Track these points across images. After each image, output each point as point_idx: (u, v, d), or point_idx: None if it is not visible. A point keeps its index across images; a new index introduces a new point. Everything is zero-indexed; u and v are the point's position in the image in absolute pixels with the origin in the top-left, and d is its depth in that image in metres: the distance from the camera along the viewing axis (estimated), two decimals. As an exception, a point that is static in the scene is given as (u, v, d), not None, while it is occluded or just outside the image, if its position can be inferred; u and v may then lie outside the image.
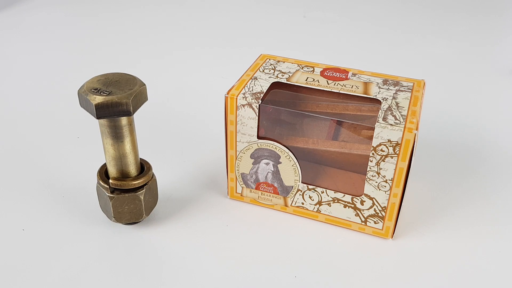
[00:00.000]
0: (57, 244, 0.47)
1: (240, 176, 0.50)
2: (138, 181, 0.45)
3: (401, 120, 0.42)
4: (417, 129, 0.42)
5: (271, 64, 0.51)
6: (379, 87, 0.47)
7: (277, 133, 0.49)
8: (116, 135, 0.43)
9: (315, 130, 0.50)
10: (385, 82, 0.48)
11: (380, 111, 0.44)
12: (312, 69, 0.50)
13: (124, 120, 0.43)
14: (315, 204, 0.49)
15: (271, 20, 1.00)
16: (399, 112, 0.43)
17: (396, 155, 0.43)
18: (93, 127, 0.64)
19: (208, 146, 0.61)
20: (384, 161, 0.44)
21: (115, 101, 0.40)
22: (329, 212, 0.49)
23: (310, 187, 0.48)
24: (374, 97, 0.45)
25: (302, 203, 0.49)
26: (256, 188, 0.51)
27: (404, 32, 0.95)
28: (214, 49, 0.87)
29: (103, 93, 0.41)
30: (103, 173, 0.47)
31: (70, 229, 0.49)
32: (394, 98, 0.45)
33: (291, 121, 0.50)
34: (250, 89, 0.47)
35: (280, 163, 0.48)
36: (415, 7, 1.07)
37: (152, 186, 0.47)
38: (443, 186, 0.55)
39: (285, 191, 0.49)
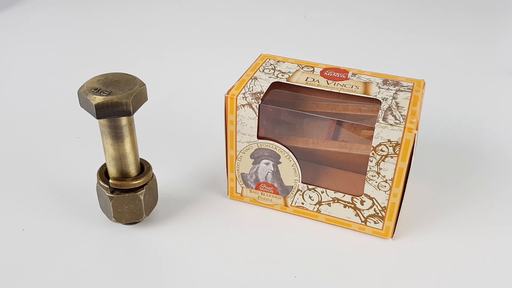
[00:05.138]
0: (57, 244, 0.47)
1: (240, 176, 0.50)
2: (138, 181, 0.45)
3: (401, 120, 0.42)
4: (417, 129, 0.42)
5: (271, 64, 0.51)
6: (379, 87, 0.47)
7: (277, 133, 0.49)
8: (116, 135, 0.43)
9: (315, 130, 0.50)
10: (385, 82, 0.48)
11: (380, 111, 0.44)
12: (312, 69, 0.50)
13: (124, 120, 0.43)
14: (315, 204, 0.49)
15: (271, 20, 1.00)
16: (399, 112, 0.43)
17: (396, 155, 0.43)
18: (93, 127, 0.64)
19: (208, 146, 0.61)
20: (384, 161, 0.44)
21: (115, 101, 0.40)
22: (329, 212, 0.49)
23: (310, 187, 0.48)
24: (374, 97, 0.46)
25: (302, 203, 0.49)
26: (256, 188, 0.51)
27: (404, 32, 0.95)
28: (214, 49, 0.87)
29: (103, 93, 0.41)
30: (103, 173, 0.47)
31: (70, 229, 0.49)
32: (394, 98, 0.45)
33: (291, 121, 0.50)
34: (250, 89, 0.47)
35: (280, 163, 0.48)
36: (416, 7, 1.07)
37: (152, 186, 0.47)
38: (443, 186, 0.55)
39: (285, 191, 0.49)
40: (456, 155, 0.60)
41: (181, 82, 0.76)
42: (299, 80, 0.48)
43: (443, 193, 0.54)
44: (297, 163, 0.47)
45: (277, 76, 0.49)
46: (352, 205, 0.47)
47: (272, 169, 0.49)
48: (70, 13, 1.02)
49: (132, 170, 0.46)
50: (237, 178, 0.51)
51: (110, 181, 0.45)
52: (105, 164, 0.47)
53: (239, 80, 0.48)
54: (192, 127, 0.65)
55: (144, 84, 0.43)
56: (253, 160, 0.49)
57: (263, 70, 0.50)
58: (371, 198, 0.46)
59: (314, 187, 0.48)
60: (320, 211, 0.49)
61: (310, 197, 0.49)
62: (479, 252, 0.47)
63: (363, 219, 0.48)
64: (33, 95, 0.72)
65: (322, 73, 0.49)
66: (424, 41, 0.91)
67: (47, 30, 0.93)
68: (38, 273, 0.44)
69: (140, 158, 0.48)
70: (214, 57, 0.84)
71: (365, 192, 0.46)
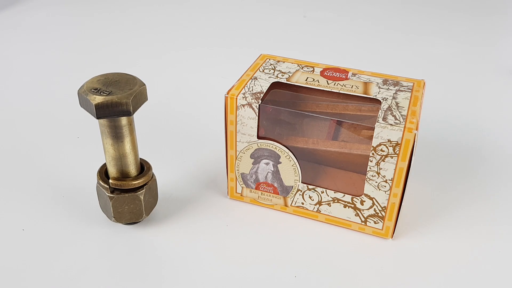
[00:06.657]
0: (57, 244, 0.47)
1: (240, 176, 0.50)
2: (138, 181, 0.45)
3: (401, 120, 0.42)
4: (417, 129, 0.42)
5: (271, 64, 0.51)
6: (379, 87, 0.47)
7: (277, 133, 0.49)
8: (116, 135, 0.43)
9: (315, 130, 0.50)
10: (385, 82, 0.48)
11: (380, 111, 0.44)
12: (312, 69, 0.50)
13: (124, 120, 0.43)
14: (315, 204, 0.49)
15: (271, 20, 1.00)
16: (399, 112, 0.43)
17: (396, 155, 0.43)
18: (93, 127, 0.64)
19: (208, 146, 0.61)
20: (384, 161, 0.44)
21: (115, 101, 0.40)
22: (329, 212, 0.49)
23: (310, 187, 0.48)
24: (374, 97, 0.46)
25: (302, 203, 0.49)
26: (256, 188, 0.51)
27: (404, 32, 0.95)
28: (214, 49, 0.87)
29: (103, 93, 0.41)
30: (103, 173, 0.47)
31: (70, 229, 0.49)
32: (394, 98, 0.45)
33: (291, 121, 0.50)
34: (250, 89, 0.47)
35: (280, 163, 0.48)
36: (415, 7, 1.07)
37: (152, 186, 0.47)
38: (443, 186, 0.55)
39: (285, 191, 0.49)
40: (456, 155, 0.60)
41: (181, 82, 0.76)
42: (299, 80, 0.48)
43: (443, 193, 0.54)
44: (297, 163, 0.47)
45: (277, 76, 0.49)
46: (352, 205, 0.47)
47: (272, 169, 0.49)
48: (70, 13, 1.02)
49: (132, 170, 0.46)
50: (237, 178, 0.51)
51: (110, 181, 0.45)
52: (105, 164, 0.47)
53: (239, 80, 0.48)
54: (192, 127, 0.65)
55: (144, 84, 0.43)
56: (253, 160, 0.49)
57: (263, 70, 0.50)
58: (371, 198, 0.46)
59: (314, 187, 0.48)
60: (320, 211, 0.49)
61: (310, 197, 0.49)
62: (479, 252, 0.47)
63: (363, 219, 0.48)
64: (33, 95, 0.72)
65: (322, 73, 0.49)
66: (424, 41, 0.91)
67: (47, 30, 0.94)
68: (38, 273, 0.44)
69: (140, 158, 0.48)
70: (214, 57, 0.84)
71: (365, 192, 0.46)
